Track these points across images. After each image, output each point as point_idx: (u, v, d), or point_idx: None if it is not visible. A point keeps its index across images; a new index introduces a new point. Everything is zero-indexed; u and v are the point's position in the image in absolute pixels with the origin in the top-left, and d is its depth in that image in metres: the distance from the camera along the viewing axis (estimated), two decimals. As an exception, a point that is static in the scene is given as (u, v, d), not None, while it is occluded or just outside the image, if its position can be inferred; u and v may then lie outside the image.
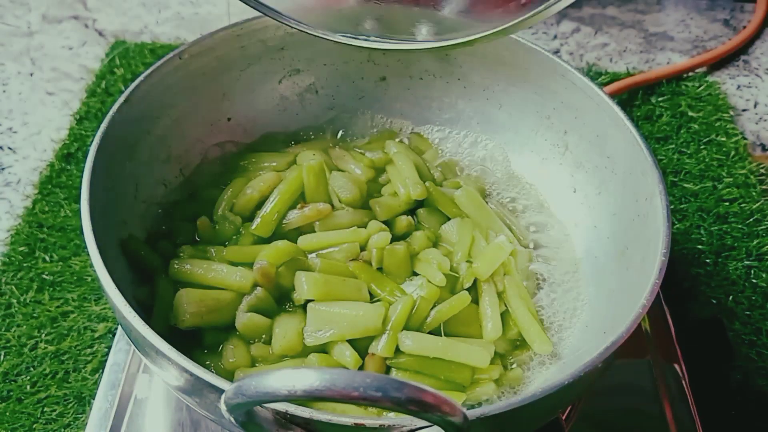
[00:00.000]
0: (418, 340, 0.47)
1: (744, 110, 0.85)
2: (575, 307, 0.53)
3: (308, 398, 0.28)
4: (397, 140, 0.62)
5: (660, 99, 0.83)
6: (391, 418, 0.34)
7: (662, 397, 0.56)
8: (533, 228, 0.59)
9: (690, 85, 0.85)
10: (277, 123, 0.62)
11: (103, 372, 0.56)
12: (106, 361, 0.57)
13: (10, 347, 0.60)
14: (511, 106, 0.59)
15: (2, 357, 0.60)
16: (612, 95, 0.67)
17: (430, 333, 0.48)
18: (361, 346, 0.47)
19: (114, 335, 0.60)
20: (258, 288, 0.48)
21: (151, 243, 0.52)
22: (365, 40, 0.53)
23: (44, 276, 0.65)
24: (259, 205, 0.54)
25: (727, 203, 0.73)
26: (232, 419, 0.32)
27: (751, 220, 0.71)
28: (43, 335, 0.61)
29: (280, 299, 0.49)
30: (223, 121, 0.59)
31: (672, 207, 0.72)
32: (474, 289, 0.51)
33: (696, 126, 0.80)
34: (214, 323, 0.48)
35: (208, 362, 0.47)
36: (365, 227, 0.53)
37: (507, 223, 0.57)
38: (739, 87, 0.87)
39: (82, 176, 0.44)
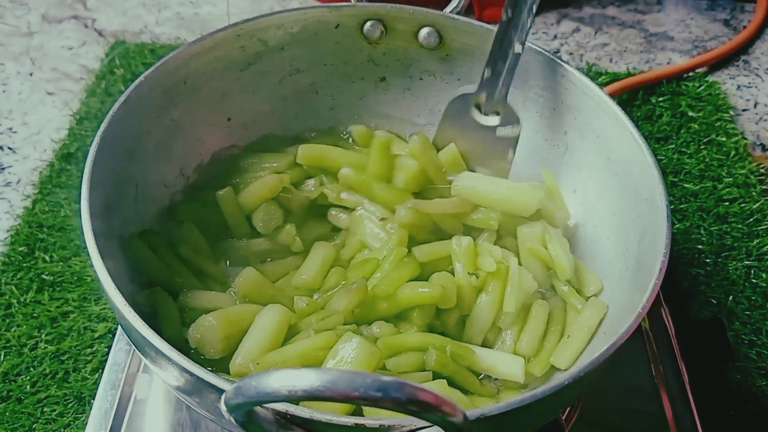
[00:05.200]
0: None
1: (744, 110, 0.85)
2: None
3: (308, 398, 0.28)
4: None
5: (660, 99, 0.83)
6: (391, 418, 0.34)
7: (662, 397, 0.56)
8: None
9: (690, 85, 0.85)
10: (277, 123, 0.62)
11: (103, 372, 0.56)
12: (106, 361, 0.57)
13: (10, 347, 0.60)
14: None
15: (2, 357, 0.60)
16: (612, 95, 0.67)
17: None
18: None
19: (114, 335, 0.60)
20: None
21: (152, 244, 0.52)
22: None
23: (44, 276, 0.65)
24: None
25: (727, 203, 0.73)
26: (232, 419, 0.32)
27: (751, 220, 0.71)
28: (43, 335, 0.61)
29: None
30: (223, 121, 0.59)
31: (672, 207, 0.72)
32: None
33: (696, 126, 0.80)
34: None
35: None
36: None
37: None
38: (739, 87, 0.87)
39: (82, 176, 0.44)
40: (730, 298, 0.65)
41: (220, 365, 0.47)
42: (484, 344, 0.51)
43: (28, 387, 0.58)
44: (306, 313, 0.49)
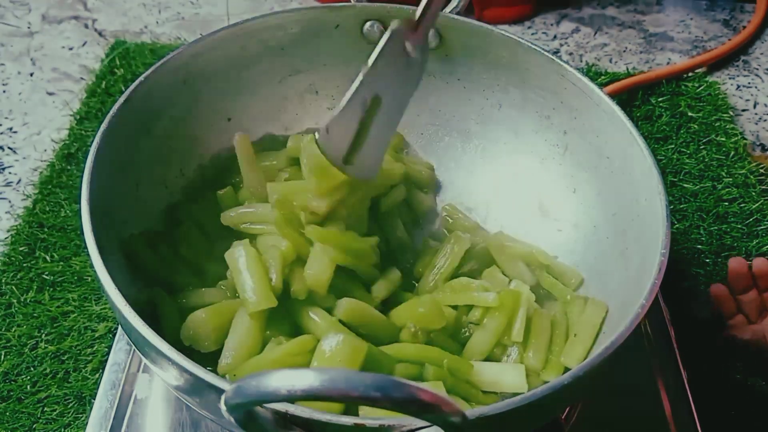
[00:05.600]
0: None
1: (744, 110, 0.85)
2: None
3: (308, 398, 0.28)
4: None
5: (660, 99, 0.83)
6: (390, 418, 0.34)
7: (662, 397, 0.56)
8: (533, 229, 0.59)
9: (690, 85, 0.85)
10: (277, 123, 0.62)
11: (103, 372, 0.56)
12: (106, 360, 0.57)
13: (10, 347, 0.60)
14: (511, 107, 0.59)
15: (2, 357, 0.60)
16: (612, 95, 0.67)
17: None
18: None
19: (114, 335, 0.60)
20: None
21: (152, 243, 0.52)
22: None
23: (44, 276, 0.65)
24: None
25: (726, 203, 0.73)
26: (232, 419, 0.32)
27: (751, 220, 0.71)
28: (44, 335, 0.61)
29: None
30: (223, 121, 0.59)
31: (672, 207, 0.72)
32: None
33: (696, 126, 0.80)
34: None
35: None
36: None
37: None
38: (738, 87, 0.87)
39: (82, 176, 0.44)
40: (730, 298, 0.65)
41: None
42: (489, 358, 0.51)
43: (28, 387, 0.58)
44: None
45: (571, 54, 0.91)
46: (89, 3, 0.97)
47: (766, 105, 0.85)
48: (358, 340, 0.45)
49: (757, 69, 0.90)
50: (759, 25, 0.94)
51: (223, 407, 0.31)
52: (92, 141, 0.46)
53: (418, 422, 0.32)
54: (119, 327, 0.59)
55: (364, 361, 0.44)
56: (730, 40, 0.92)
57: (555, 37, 0.94)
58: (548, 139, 0.59)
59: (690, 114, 0.82)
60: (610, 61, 0.91)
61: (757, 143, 0.81)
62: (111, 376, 0.56)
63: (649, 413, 0.55)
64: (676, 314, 0.62)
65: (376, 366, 0.45)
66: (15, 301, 0.63)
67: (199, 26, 0.94)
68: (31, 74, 0.86)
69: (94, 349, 0.60)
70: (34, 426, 0.56)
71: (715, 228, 0.71)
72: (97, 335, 0.61)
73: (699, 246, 0.69)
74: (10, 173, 0.75)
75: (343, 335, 0.44)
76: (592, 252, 0.55)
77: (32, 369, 0.59)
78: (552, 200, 0.59)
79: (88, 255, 0.40)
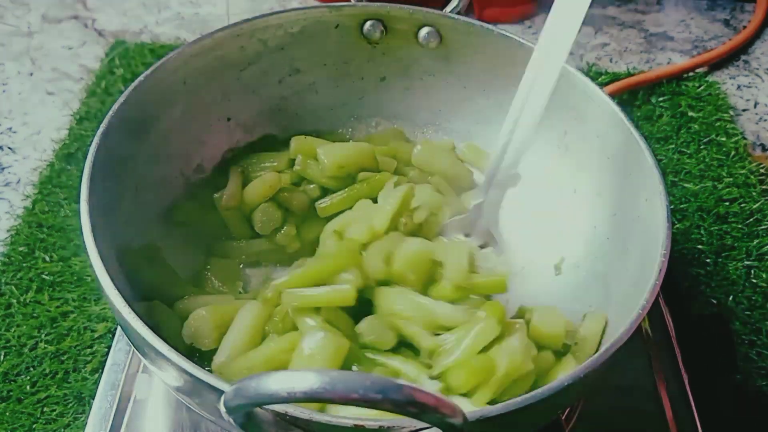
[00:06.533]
0: None
1: (744, 110, 0.85)
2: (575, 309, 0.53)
3: (308, 400, 0.28)
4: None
5: (660, 99, 0.83)
6: (391, 419, 0.34)
7: (662, 397, 0.56)
8: (532, 230, 0.59)
9: (690, 85, 0.85)
10: (277, 123, 0.62)
11: (102, 372, 0.56)
12: (105, 361, 0.57)
13: (10, 347, 0.60)
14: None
15: (2, 357, 0.60)
16: (612, 95, 0.67)
17: None
18: None
19: (114, 335, 0.60)
20: None
21: (149, 258, 0.51)
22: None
23: (44, 276, 0.65)
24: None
25: (727, 203, 0.73)
26: (232, 421, 0.32)
27: (751, 220, 0.71)
28: (43, 335, 0.61)
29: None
30: (223, 121, 0.59)
31: (672, 207, 0.72)
32: None
33: (696, 126, 0.80)
34: None
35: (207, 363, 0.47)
36: None
37: None
38: (739, 87, 0.87)
39: (81, 176, 0.44)
40: (731, 298, 0.65)
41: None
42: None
43: (27, 387, 0.58)
44: (274, 303, 0.50)
45: (571, 54, 0.91)
46: (89, 3, 0.97)
47: (766, 105, 0.85)
48: (340, 338, 0.44)
49: (758, 69, 0.90)
50: (759, 25, 0.94)
51: (222, 408, 0.31)
52: (92, 141, 0.46)
53: (417, 423, 0.32)
54: (118, 327, 0.59)
55: (346, 359, 0.44)
56: (730, 39, 0.92)
57: (555, 36, 0.94)
58: (548, 139, 0.58)
59: (690, 114, 0.81)
60: (611, 60, 0.91)
61: (758, 143, 0.81)
62: (110, 376, 0.56)
63: (649, 413, 0.55)
64: (676, 314, 0.62)
65: (357, 364, 0.45)
66: (14, 301, 0.63)
67: (199, 26, 0.94)
68: (31, 74, 0.86)
69: (94, 349, 0.60)
70: (33, 426, 0.56)
71: (716, 228, 0.70)
72: (96, 335, 0.61)
73: (699, 246, 0.69)
74: (9, 173, 0.75)
75: (324, 333, 0.44)
76: (592, 253, 0.55)
77: (32, 369, 0.59)
78: (552, 200, 0.59)
79: (88, 255, 0.40)
